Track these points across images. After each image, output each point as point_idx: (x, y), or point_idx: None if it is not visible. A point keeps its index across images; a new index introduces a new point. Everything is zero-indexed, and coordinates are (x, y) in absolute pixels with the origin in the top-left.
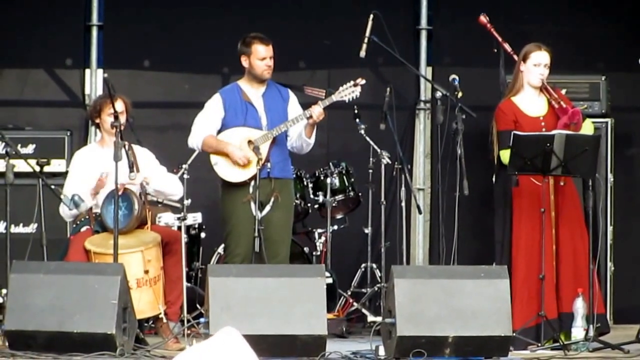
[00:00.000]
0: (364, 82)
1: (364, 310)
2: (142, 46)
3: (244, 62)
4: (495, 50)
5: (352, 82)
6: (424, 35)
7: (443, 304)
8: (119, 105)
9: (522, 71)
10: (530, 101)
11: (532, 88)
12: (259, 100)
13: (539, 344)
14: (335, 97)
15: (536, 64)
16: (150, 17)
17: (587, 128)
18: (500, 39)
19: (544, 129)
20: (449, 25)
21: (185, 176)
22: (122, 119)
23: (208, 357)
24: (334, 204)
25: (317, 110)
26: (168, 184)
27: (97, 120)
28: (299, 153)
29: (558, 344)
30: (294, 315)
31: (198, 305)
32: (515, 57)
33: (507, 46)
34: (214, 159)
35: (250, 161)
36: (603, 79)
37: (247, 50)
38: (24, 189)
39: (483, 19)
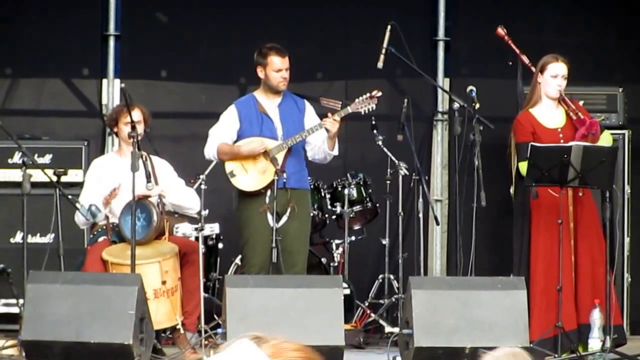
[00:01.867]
0: (380, 94)
1: (381, 321)
2: (159, 56)
3: (260, 73)
4: (510, 63)
5: (368, 94)
6: (441, 47)
7: (460, 315)
8: (136, 115)
9: (540, 83)
10: (548, 113)
11: (549, 100)
12: (275, 110)
13: (556, 355)
14: (350, 109)
15: (553, 76)
16: (167, 27)
17: (606, 139)
18: (518, 51)
19: (562, 141)
20: (467, 37)
21: (203, 187)
22: (140, 128)
23: None
24: (351, 215)
25: (329, 123)
26: (185, 198)
27: (115, 129)
28: (320, 163)
29: (575, 355)
30: (311, 326)
31: (215, 316)
32: (533, 69)
33: (524, 58)
34: (229, 167)
35: (267, 163)
36: (620, 90)
37: (263, 61)
38: (41, 199)
39: (501, 31)
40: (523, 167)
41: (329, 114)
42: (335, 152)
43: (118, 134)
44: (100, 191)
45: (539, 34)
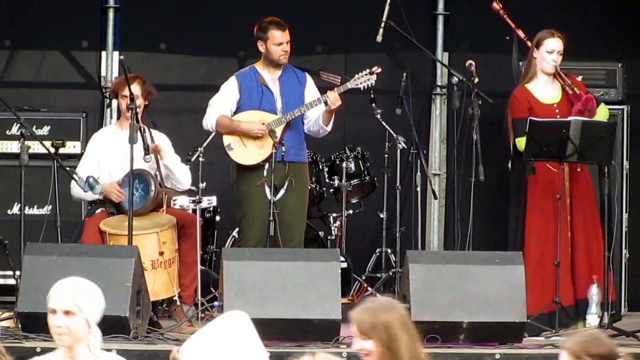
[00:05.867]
0: (379, 70)
1: (378, 295)
2: (158, 29)
3: (261, 47)
4: (508, 38)
5: (367, 70)
6: (440, 21)
7: (457, 290)
8: (135, 89)
9: (535, 58)
10: (544, 88)
11: (545, 75)
12: (275, 83)
13: (553, 330)
14: (350, 84)
15: (549, 51)
16: None
17: (602, 112)
18: (513, 25)
19: (558, 116)
20: (466, 11)
21: (201, 159)
22: (139, 102)
23: (218, 342)
24: (349, 189)
25: (332, 96)
26: (179, 169)
27: (116, 101)
28: (314, 137)
29: (572, 330)
30: (308, 299)
31: (212, 289)
32: (529, 43)
33: (520, 32)
34: (226, 140)
35: (265, 136)
36: (619, 65)
37: (264, 35)
38: (38, 170)
39: (496, 5)
40: (520, 142)
41: (329, 91)
42: (329, 127)
43: (119, 107)
44: (99, 164)
45: (538, 9)
